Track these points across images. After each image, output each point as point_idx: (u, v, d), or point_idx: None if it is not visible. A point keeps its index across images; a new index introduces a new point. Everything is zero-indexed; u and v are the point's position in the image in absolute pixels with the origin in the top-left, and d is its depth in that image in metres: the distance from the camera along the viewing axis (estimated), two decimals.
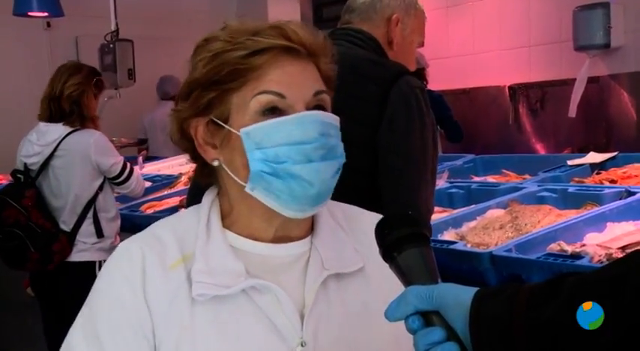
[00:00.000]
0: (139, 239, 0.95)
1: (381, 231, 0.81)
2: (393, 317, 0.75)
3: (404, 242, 0.78)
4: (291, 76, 0.90)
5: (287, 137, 0.88)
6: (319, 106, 0.92)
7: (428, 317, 0.73)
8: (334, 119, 0.93)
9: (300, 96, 0.90)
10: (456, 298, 0.72)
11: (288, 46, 0.90)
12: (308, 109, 0.90)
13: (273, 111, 0.89)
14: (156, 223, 0.98)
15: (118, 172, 2.97)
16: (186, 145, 0.97)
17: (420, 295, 0.73)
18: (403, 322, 0.96)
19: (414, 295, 0.74)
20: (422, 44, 1.85)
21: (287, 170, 0.88)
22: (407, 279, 0.77)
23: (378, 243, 0.81)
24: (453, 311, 0.72)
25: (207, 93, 0.92)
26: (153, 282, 0.89)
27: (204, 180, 0.99)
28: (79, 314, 0.93)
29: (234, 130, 0.90)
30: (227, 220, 0.96)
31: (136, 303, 0.89)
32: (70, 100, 2.94)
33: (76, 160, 2.93)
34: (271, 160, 0.88)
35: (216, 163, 0.94)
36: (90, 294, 0.94)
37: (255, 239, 0.94)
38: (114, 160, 2.97)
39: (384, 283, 0.96)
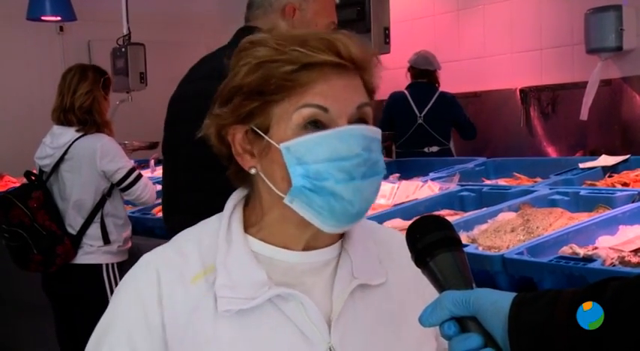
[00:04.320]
0: (158, 254, 0.95)
1: (412, 236, 0.80)
2: (427, 322, 0.74)
3: (436, 246, 0.77)
4: (335, 90, 0.88)
5: (329, 153, 0.86)
6: (361, 119, 0.90)
7: (464, 323, 0.72)
8: (376, 133, 0.90)
9: (343, 110, 0.88)
10: (494, 303, 0.71)
11: (338, 62, 0.88)
12: (350, 122, 0.88)
13: (315, 124, 0.87)
14: (181, 234, 0.98)
15: (121, 177, 2.96)
16: (222, 149, 0.95)
17: (456, 301, 0.72)
18: (427, 334, 0.96)
19: (450, 301, 0.73)
20: (333, 24, 1.82)
21: (329, 189, 0.86)
22: (441, 284, 0.76)
23: (409, 248, 0.80)
24: (491, 317, 0.71)
25: (250, 102, 0.89)
26: (170, 298, 0.90)
27: (238, 183, 0.98)
28: (95, 330, 0.95)
29: (274, 143, 0.88)
30: (255, 227, 0.94)
31: (146, 323, 0.89)
32: (82, 111, 2.95)
33: (82, 165, 2.95)
34: (313, 177, 0.86)
35: (253, 172, 0.91)
36: (107, 309, 0.95)
37: (284, 247, 0.93)
38: (119, 166, 2.96)
39: (406, 295, 0.97)
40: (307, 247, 0.93)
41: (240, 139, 0.92)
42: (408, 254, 0.99)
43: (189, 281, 0.90)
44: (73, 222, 2.96)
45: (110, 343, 0.91)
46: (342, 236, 0.97)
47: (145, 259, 0.95)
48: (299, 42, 0.88)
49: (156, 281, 0.90)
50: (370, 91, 0.93)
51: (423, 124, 4.53)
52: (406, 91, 4.64)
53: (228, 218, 0.95)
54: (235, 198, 0.98)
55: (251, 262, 0.91)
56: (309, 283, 0.92)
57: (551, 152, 4.86)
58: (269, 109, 0.89)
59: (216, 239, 0.93)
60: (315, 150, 0.86)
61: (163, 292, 0.90)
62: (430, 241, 0.77)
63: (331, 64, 0.88)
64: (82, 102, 2.95)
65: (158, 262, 0.93)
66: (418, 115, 4.54)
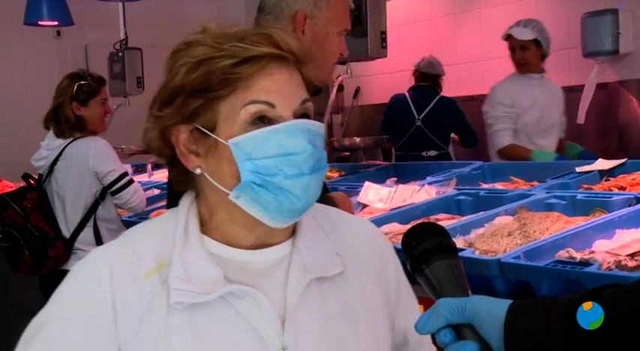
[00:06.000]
0: (111, 249, 0.93)
1: (408, 243, 0.80)
2: (423, 330, 0.74)
3: (432, 254, 0.77)
4: (280, 84, 0.89)
5: (277, 147, 0.87)
6: (305, 114, 0.91)
7: (460, 331, 0.73)
8: (320, 127, 0.92)
9: (289, 105, 0.89)
10: (490, 311, 0.71)
11: (277, 54, 0.89)
12: (296, 117, 0.90)
13: (262, 120, 0.88)
14: (134, 228, 0.96)
15: (112, 179, 2.97)
16: (166, 151, 0.95)
17: (452, 308, 0.72)
18: (383, 326, 0.96)
19: (446, 308, 0.73)
20: (346, 31, 1.80)
21: (278, 184, 0.87)
22: (437, 291, 0.76)
23: (405, 255, 0.80)
24: (487, 325, 0.71)
25: (194, 100, 0.89)
26: (122, 294, 0.88)
27: (180, 187, 0.97)
28: (31, 322, 0.90)
29: (222, 140, 0.89)
30: (205, 227, 0.94)
31: (98, 318, 0.87)
32: (47, 117, 3.01)
33: (75, 166, 2.96)
34: (262, 172, 0.87)
35: (198, 172, 0.92)
36: (48, 303, 0.91)
37: (234, 246, 0.93)
38: (111, 168, 2.98)
39: (364, 286, 0.97)
40: (257, 246, 0.93)
41: (184, 140, 0.92)
42: (367, 241, 1.00)
43: (142, 277, 0.89)
44: (67, 224, 2.97)
45: (46, 335, 0.88)
46: (293, 233, 0.97)
47: (96, 254, 0.93)
48: (237, 38, 0.89)
49: (108, 277, 0.88)
50: (308, 86, 0.95)
51: (422, 126, 4.52)
52: (407, 94, 4.64)
53: (186, 216, 0.94)
54: (190, 196, 0.96)
55: (207, 259, 0.90)
56: (264, 282, 0.91)
57: None
58: (214, 107, 0.89)
59: (172, 234, 0.92)
60: (264, 145, 0.87)
61: (116, 288, 0.88)
62: (426, 248, 0.78)
63: (272, 57, 0.89)
64: (50, 109, 3.01)
65: (110, 258, 0.91)
66: (417, 117, 4.54)
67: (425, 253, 0.78)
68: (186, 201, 0.96)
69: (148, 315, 0.87)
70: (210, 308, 0.88)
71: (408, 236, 0.81)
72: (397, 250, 0.97)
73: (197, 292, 0.87)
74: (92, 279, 0.89)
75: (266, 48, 0.89)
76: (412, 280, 0.83)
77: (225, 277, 0.89)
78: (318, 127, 0.91)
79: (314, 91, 1.81)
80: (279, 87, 0.89)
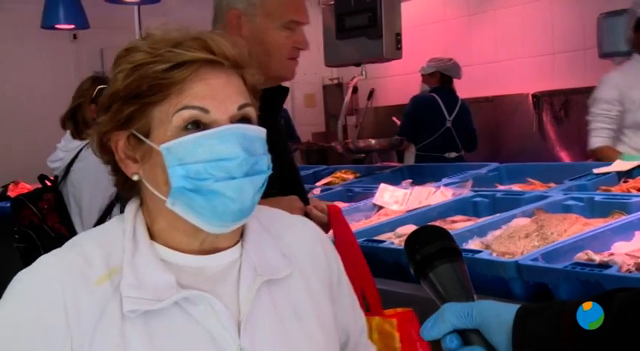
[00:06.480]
0: (60, 255, 0.91)
1: (410, 247, 0.79)
2: (428, 336, 0.73)
3: (436, 258, 0.76)
4: (214, 89, 0.88)
5: (209, 153, 0.86)
6: (244, 119, 0.90)
7: (467, 336, 0.72)
8: (260, 131, 0.91)
9: (224, 110, 0.88)
10: (498, 316, 0.71)
11: (210, 59, 0.89)
12: (232, 122, 0.89)
13: (196, 125, 0.87)
14: (80, 236, 0.95)
15: None
16: (107, 158, 0.95)
17: (458, 313, 0.72)
18: (332, 322, 0.97)
19: (452, 313, 0.72)
20: (294, 23, 1.67)
21: (209, 187, 0.86)
22: (442, 296, 0.75)
23: (408, 259, 0.79)
24: (495, 330, 0.70)
25: (128, 106, 0.89)
26: (74, 301, 0.85)
27: (125, 194, 0.97)
28: None
29: (154, 146, 0.88)
30: (150, 233, 0.93)
31: (49, 327, 0.84)
32: (66, 116, 3.01)
33: (91, 168, 2.97)
34: (193, 177, 0.86)
35: (136, 178, 0.92)
36: None
37: (182, 252, 0.92)
38: None
39: (311, 285, 0.98)
40: (209, 251, 0.93)
41: (122, 146, 0.92)
42: (311, 240, 1.02)
43: (94, 284, 0.87)
44: (83, 226, 2.98)
45: None
46: (242, 236, 0.97)
47: (44, 262, 0.90)
48: (173, 44, 0.89)
49: (59, 285, 0.86)
50: (252, 90, 0.94)
51: (451, 128, 4.51)
52: (434, 95, 4.58)
53: (133, 223, 0.93)
54: (135, 203, 0.96)
55: (158, 266, 0.89)
56: (217, 287, 0.91)
57: (565, 157, 4.83)
58: (148, 113, 0.89)
59: (121, 241, 0.91)
60: (195, 150, 0.86)
61: (67, 296, 0.85)
62: (429, 252, 0.76)
63: (205, 62, 0.89)
64: (69, 108, 3.01)
65: (59, 266, 0.88)
66: (447, 118, 4.51)
67: (429, 257, 0.76)
68: (132, 207, 0.95)
69: (101, 323, 0.85)
70: (165, 315, 0.87)
71: (410, 240, 0.79)
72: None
73: (150, 299, 0.86)
74: (43, 287, 0.86)
75: (199, 53, 0.88)
76: (416, 280, 0.80)
77: (179, 283, 0.88)
78: (258, 131, 0.90)
79: (279, 90, 1.74)
80: (213, 92, 0.88)
